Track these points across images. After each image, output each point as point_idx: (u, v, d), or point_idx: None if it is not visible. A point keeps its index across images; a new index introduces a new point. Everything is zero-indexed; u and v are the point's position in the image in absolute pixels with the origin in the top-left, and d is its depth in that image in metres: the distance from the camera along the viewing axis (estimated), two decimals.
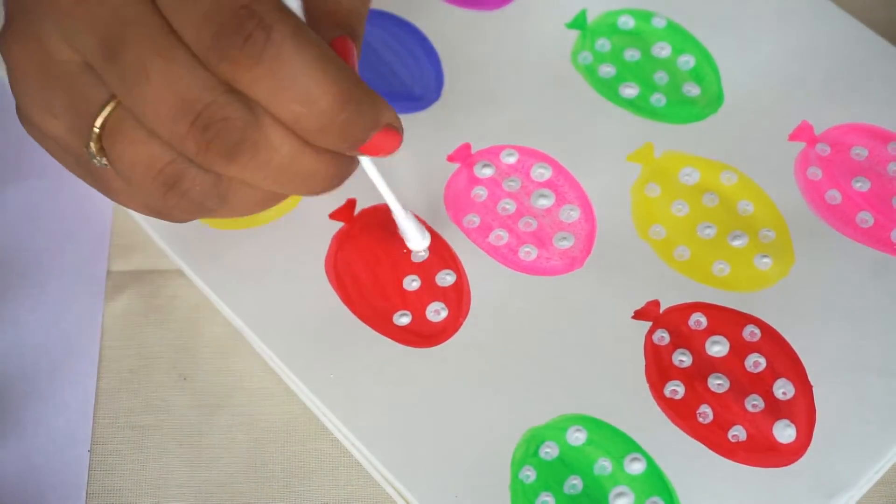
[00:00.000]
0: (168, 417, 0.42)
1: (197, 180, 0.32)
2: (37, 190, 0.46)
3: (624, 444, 0.39)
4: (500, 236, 0.43)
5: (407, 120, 0.46)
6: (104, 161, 0.33)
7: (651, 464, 0.38)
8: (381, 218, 0.43)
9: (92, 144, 0.32)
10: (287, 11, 0.30)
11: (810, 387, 0.40)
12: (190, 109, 0.30)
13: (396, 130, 0.33)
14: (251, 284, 0.42)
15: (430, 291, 0.42)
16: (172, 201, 0.33)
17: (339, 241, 0.43)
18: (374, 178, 0.38)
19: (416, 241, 0.42)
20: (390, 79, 0.47)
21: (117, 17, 0.30)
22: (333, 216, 0.44)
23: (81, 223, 0.46)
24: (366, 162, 0.36)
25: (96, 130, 0.32)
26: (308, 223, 0.44)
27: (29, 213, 0.46)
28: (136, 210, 0.35)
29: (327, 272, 0.43)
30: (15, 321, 0.43)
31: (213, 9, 0.29)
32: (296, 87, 0.30)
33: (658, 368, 0.40)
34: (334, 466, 0.41)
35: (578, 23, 0.49)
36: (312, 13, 0.33)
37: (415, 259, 0.43)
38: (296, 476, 0.41)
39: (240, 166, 0.31)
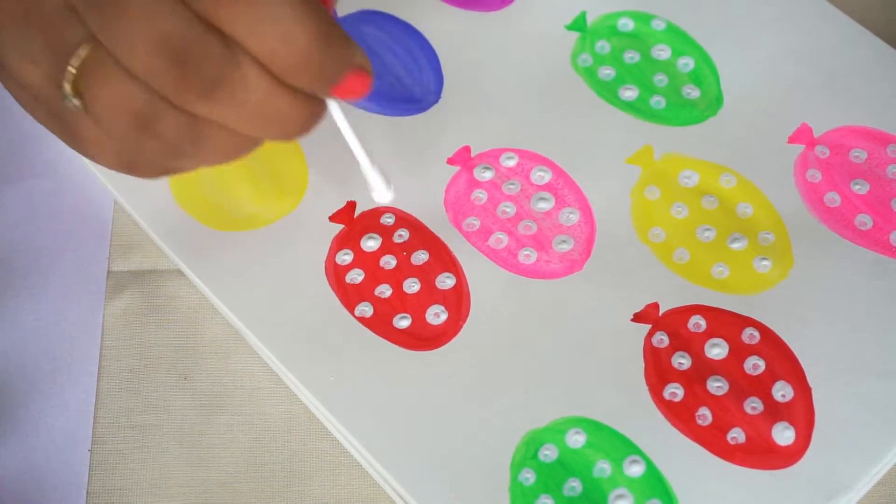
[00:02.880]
0: (168, 417, 0.42)
1: (172, 121, 0.32)
2: (37, 190, 0.46)
3: (623, 447, 0.39)
4: (499, 239, 0.43)
5: (407, 122, 0.46)
6: (78, 103, 0.32)
7: (650, 466, 0.38)
8: (380, 220, 0.43)
9: (67, 85, 0.32)
10: None
11: (809, 389, 0.40)
12: (168, 44, 0.30)
13: (367, 72, 0.33)
14: (251, 285, 0.42)
15: (430, 294, 0.42)
16: (146, 143, 0.32)
17: (339, 244, 0.43)
18: (342, 125, 0.37)
19: (381, 193, 0.41)
20: (390, 80, 0.47)
21: None
22: (333, 218, 0.44)
23: (81, 223, 0.46)
24: (334, 109, 0.36)
25: (72, 70, 0.32)
26: (308, 225, 0.44)
27: (29, 213, 0.46)
28: (106, 164, 0.34)
29: (327, 274, 0.43)
30: (15, 321, 0.43)
31: None
32: (274, 24, 0.30)
33: (657, 371, 0.40)
34: (334, 466, 0.41)
35: (578, 25, 0.49)
36: None
37: (380, 201, 0.42)
38: (296, 476, 0.41)
39: (216, 104, 0.31)
